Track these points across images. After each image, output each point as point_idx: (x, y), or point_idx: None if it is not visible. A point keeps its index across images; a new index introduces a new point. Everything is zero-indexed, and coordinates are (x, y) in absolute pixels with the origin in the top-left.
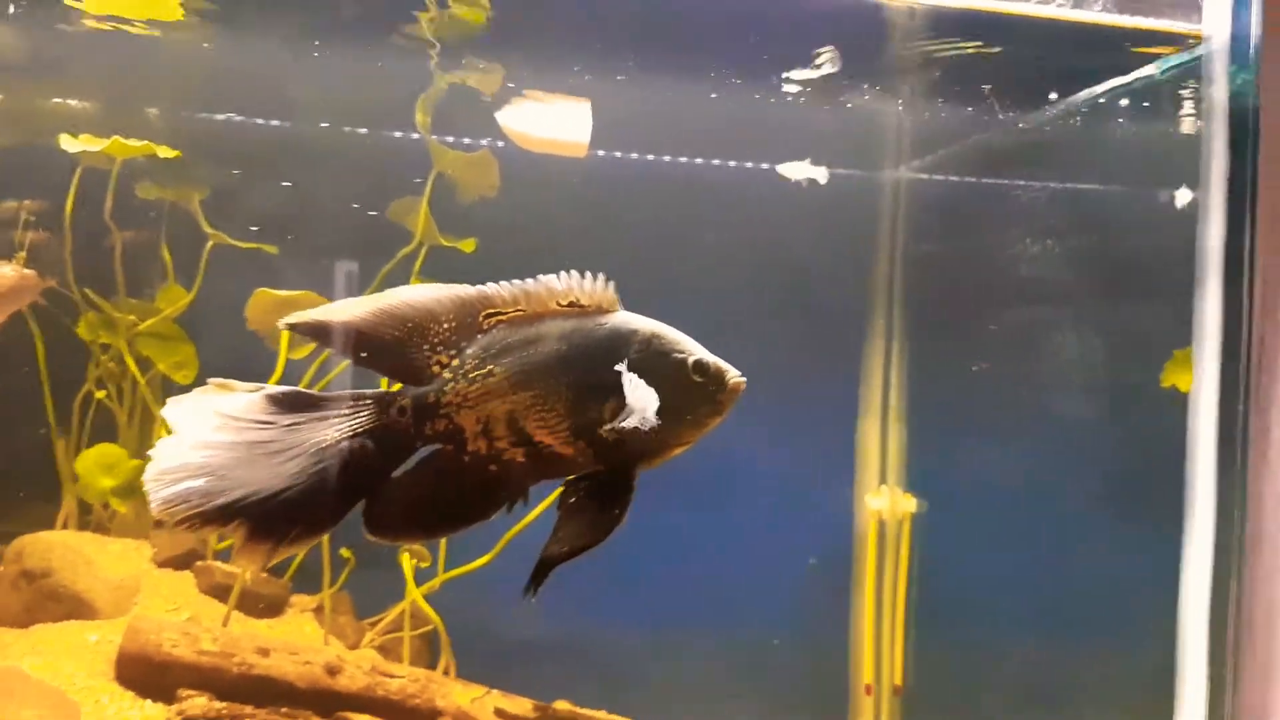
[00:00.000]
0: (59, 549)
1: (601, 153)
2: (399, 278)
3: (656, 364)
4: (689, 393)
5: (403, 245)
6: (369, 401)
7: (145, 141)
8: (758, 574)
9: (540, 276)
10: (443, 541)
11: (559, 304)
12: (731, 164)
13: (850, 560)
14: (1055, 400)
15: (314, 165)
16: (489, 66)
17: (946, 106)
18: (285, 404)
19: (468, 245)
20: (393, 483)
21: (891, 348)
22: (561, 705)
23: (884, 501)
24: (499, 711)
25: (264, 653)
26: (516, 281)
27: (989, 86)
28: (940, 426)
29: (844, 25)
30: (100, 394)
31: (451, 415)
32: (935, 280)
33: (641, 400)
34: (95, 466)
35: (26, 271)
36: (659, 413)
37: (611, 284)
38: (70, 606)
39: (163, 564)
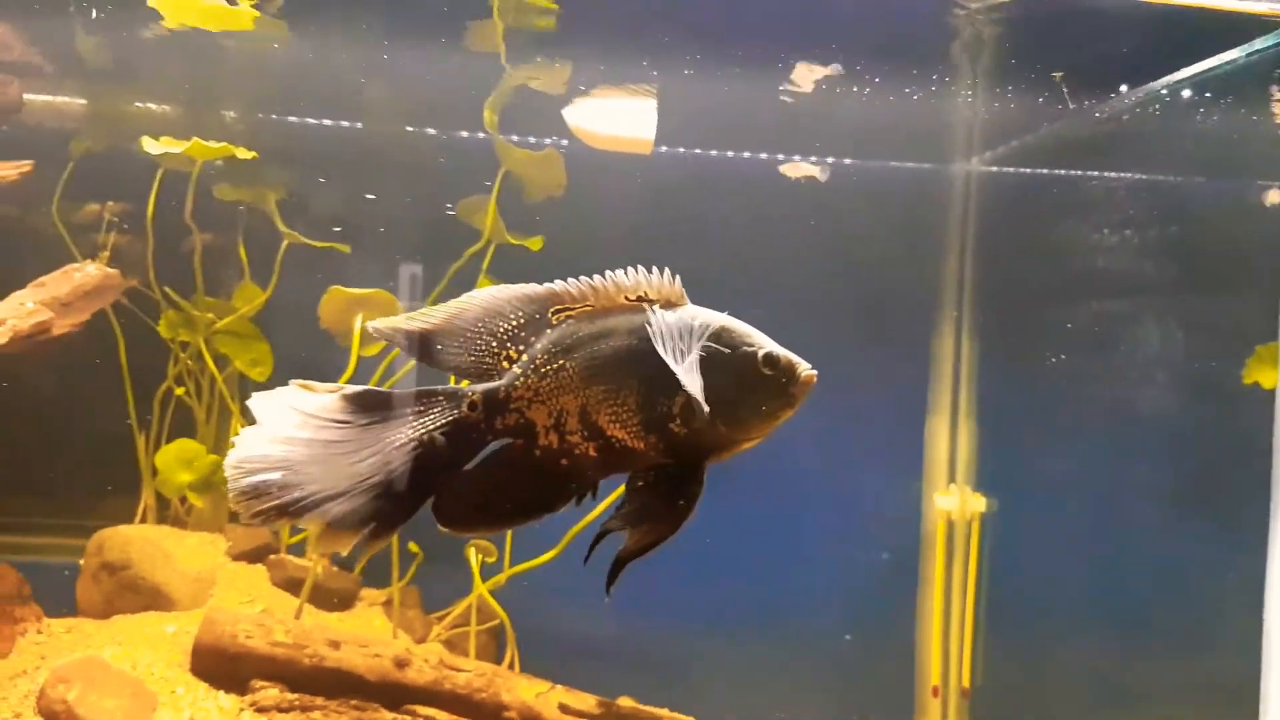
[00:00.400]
0: (138, 542)
1: (664, 148)
2: (468, 275)
3: (726, 357)
4: (759, 385)
5: (471, 243)
6: (440, 398)
7: (224, 143)
8: (823, 573)
9: (608, 273)
10: (509, 537)
11: (627, 299)
12: (797, 158)
13: (917, 560)
14: (1131, 397)
15: (384, 165)
16: (556, 65)
17: (1018, 96)
18: (360, 403)
19: (535, 243)
20: (463, 476)
21: (961, 344)
22: (625, 702)
23: (953, 501)
24: (563, 707)
25: (335, 645)
26: (585, 278)
27: (1060, 74)
28: (1011, 424)
29: (912, 14)
30: (179, 391)
31: (523, 410)
32: (1007, 274)
33: (693, 383)
34: (174, 461)
35: (110, 270)
36: (728, 405)
37: (678, 278)
38: (148, 598)
39: (237, 557)
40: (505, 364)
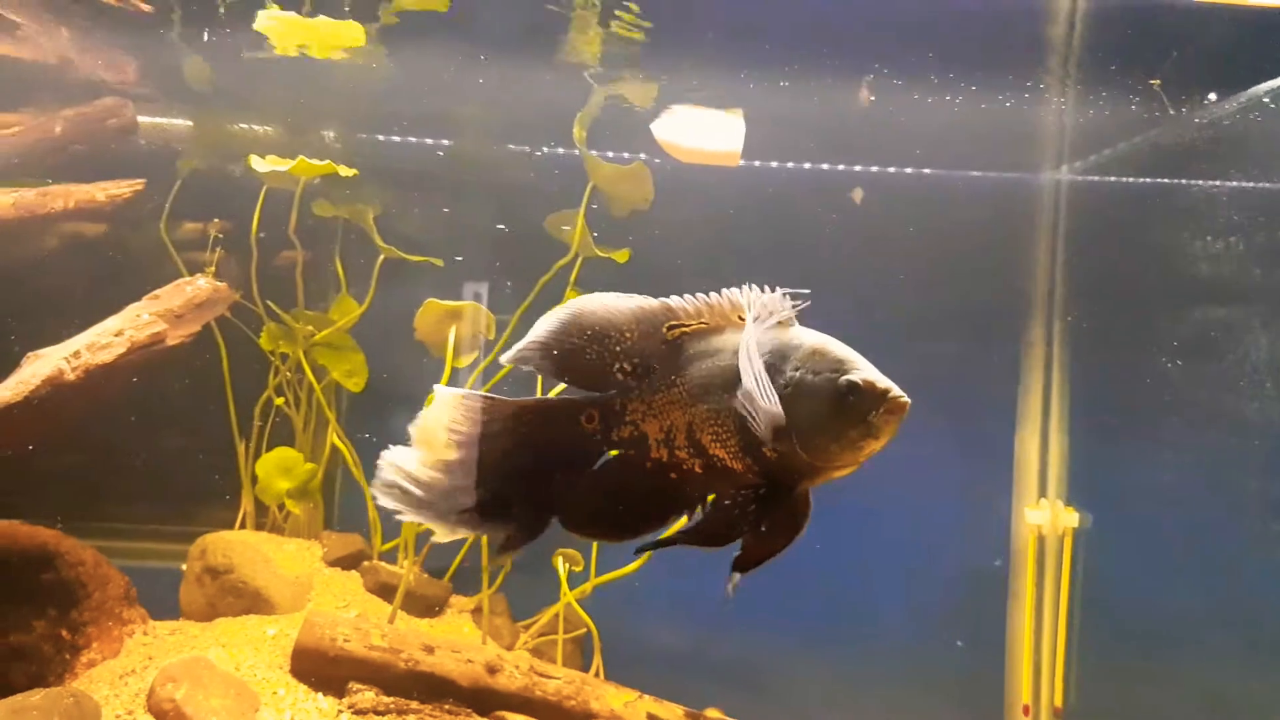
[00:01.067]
0: (239, 547)
1: (758, 162)
2: (556, 288)
3: (810, 383)
4: (840, 414)
5: (559, 257)
6: (560, 410)
7: (327, 161)
8: (911, 589)
9: (723, 290)
10: (594, 548)
11: (740, 317)
12: (890, 170)
13: (1007, 575)
14: (1233, 406)
15: (474, 182)
16: (644, 81)
17: (1111, 104)
18: (487, 413)
19: (621, 256)
20: (583, 484)
21: (1052, 354)
22: (713, 713)
23: (1044, 515)
24: (651, 716)
25: (429, 650)
26: (700, 295)
27: (1158, 81)
28: (1106, 436)
29: (1003, 21)
30: (279, 401)
31: (637, 423)
32: (1100, 284)
33: (754, 407)
34: (274, 469)
35: (219, 284)
36: (809, 433)
37: (787, 297)
38: (250, 601)
39: (332, 563)
40: (619, 376)
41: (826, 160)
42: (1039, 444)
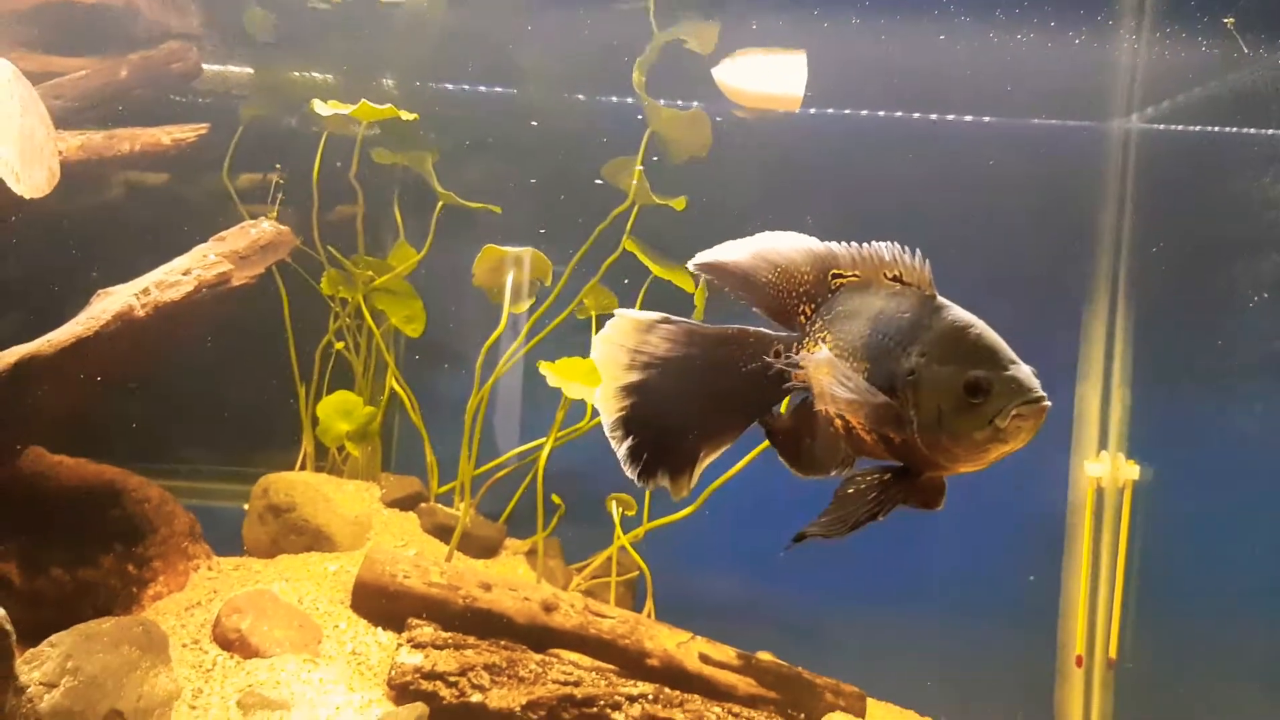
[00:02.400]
0: (300, 486)
1: (812, 110)
2: (611, 236)
3: (935, 374)
4: (963, 414)
5: (617, 204)
6: (752, 339)
7: (388, 105)
8: (967, 541)
9: (874, 243)
10: (647, 493)
11: (886, 276)
12: (950, 118)
13: (1063, 529)
14: None
15: (533, 129)
16: (705, 23)
17: (1184, 46)
18: (680, 333)
19: (679, 203)
20: (774, 416)
21: (1116, 306)
22: (764, 656)
23: (1104, 468)
24: (704, 657)
25: (486, 587)
26: (855, 245)
27: (1232, 20)
28: (1171, 389)
29: None
30: (339, 345)
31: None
32: (1168, 236)
33: (820, 384)
34: (334, 412)
35: (283, 227)
36: (931, 427)
37: (929, 264)
38: (311, 539)
39: (390, 504)
40: (801, 319)
41: (885, 108)
42: (1100, 396)
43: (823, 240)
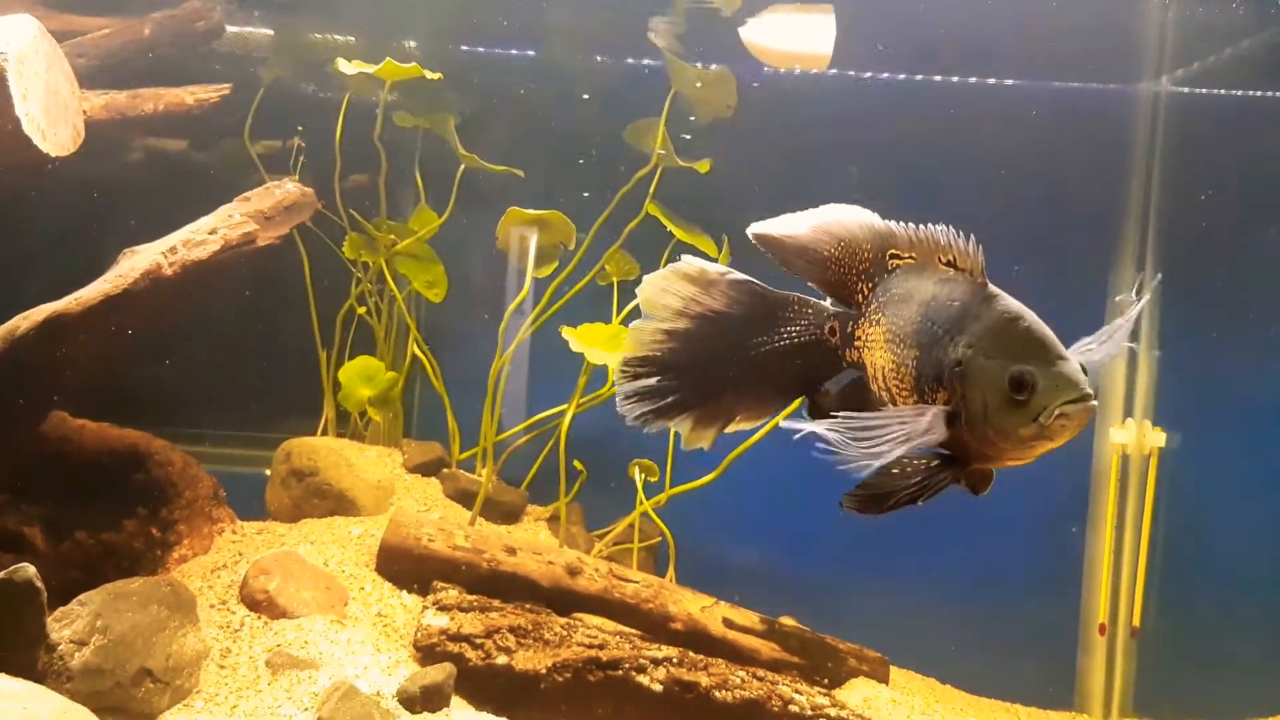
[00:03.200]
0: (323, 451)
1: (833, 70)
2: (635, 198)
3: (981, 368)
4: (1006, 408)
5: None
6: (809, 310)
7: (413, 64)
8: (989, 508)
9: (929, 225)
10: (669, 459)
11: (941, 259)
12: (973, 80)
13: (1087, 496)
14: None
15: (555, 91)
16: None
17: (1215, 4)
18: (742, 293)
19: (703, 166)
20: (823, 392)
21: (1143, 271)
22: (787, 621)
23: (1129, 435)
24: (727, 622)
25: (511, 551)
26: (912, 226)
27: None
28: (1196, 356)
29: None
30: (361, 310)
31: (860, 350)
32: (1196, 202)
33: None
34: (356, 377)
35: (306, 189)
36: (976, 421)
37: (981, 250)
38: (334, 503)
39: (412, 470)
40: (859, 298)
41: (906, 70)
42: (1125, 363)
43: (882, 217)
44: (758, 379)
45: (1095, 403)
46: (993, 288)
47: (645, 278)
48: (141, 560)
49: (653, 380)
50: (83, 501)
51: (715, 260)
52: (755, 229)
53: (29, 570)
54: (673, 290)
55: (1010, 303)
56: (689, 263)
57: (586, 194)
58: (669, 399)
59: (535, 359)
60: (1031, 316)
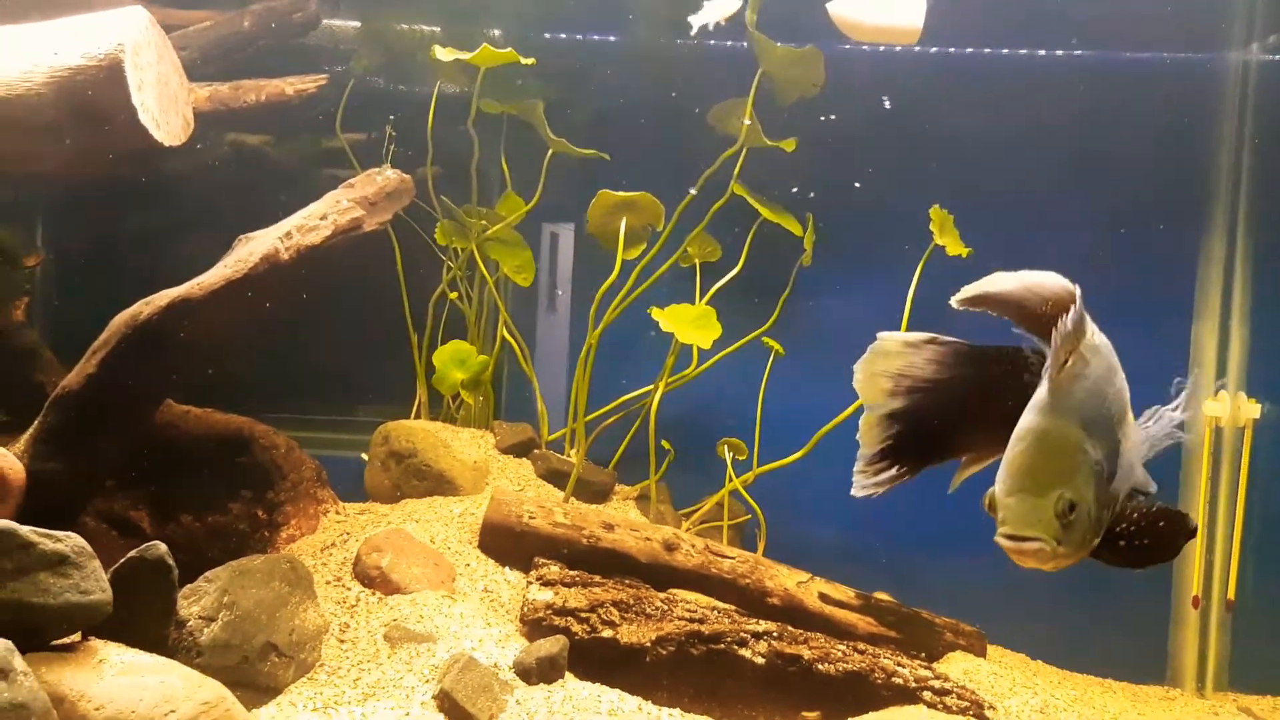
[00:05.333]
0: (420, 433)
1: (918, 48)
2: (720, 178)
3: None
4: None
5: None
6: (1028, 356)
7: (508, 49)
8: None
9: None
10: (756, 438)
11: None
12: (1058, 53)
13: (1180, 468)
14: None
15: (643, 74)
16: None
17: None
18: (947, 354)
19: (789, 145)
20: None
21: (1235, 244)
22: (882, 596)
23: (1222, 407)
24: (823, 596)
25: (609, 528)
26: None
27: None
28: None
29: None
30: (453, 295)
31: None
32: None
33: None
34: (450, 361)
35: (405, 176)
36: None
37: (1063, 359)
38: (433, 483)
39: (504, 451)
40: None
41: (991, 44)
42: (1217, 334)
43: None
44: (982, 427)
45: (1031, 546)
46: (1042, 395)
47: (854, 368)
48: (248, 541)
49: (892, 470)
50: (189, 485)
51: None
52: (965, 294)
53: (161, 548)
54: (880, 372)
55: (1024, 421)
56: (887, 340)
57: (693, 190)
58: (906, 473)
59: (620, 340)
60: (1030, 441)
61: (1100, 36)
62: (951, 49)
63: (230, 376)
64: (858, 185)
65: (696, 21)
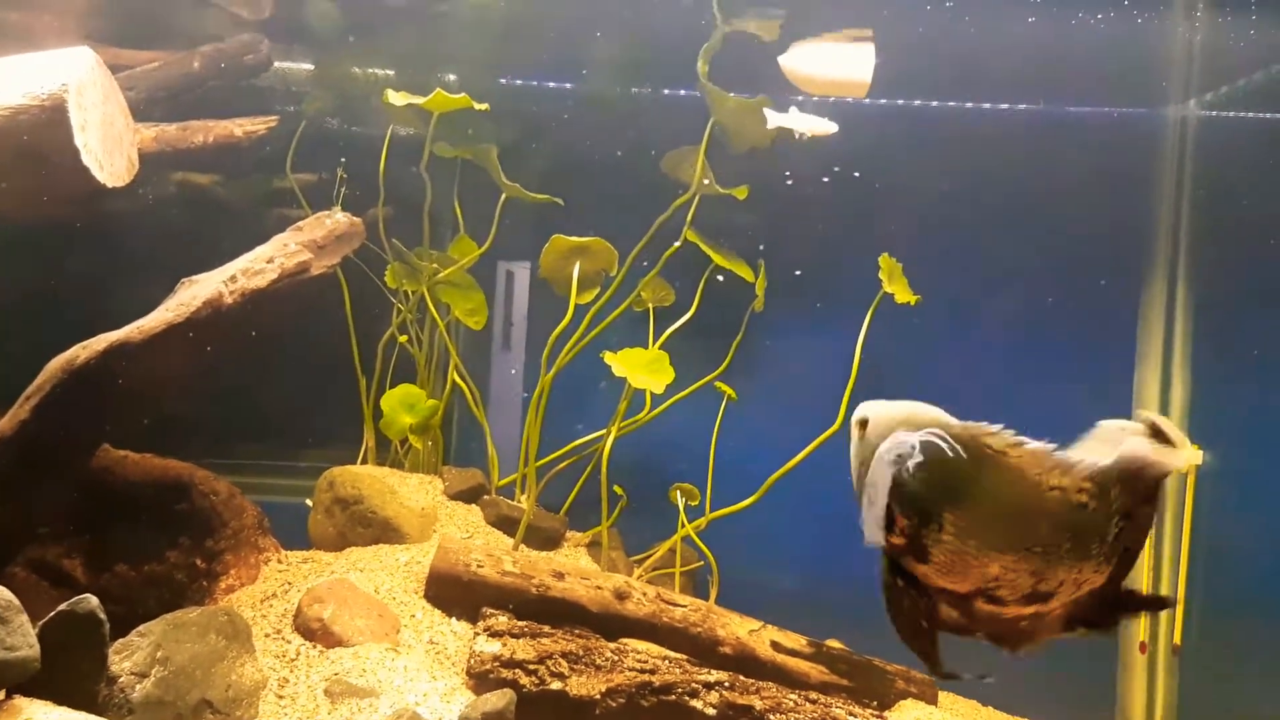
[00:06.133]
0: (366, 479)
1: (865, 100)
2: (673, 226)
3: None
4: None
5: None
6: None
7: (462, 94)
8: None
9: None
10: (709, 482)
11: None
12: (1003, 106)
13: None
14: None
15: (593, 122)
16: (769, 13)
17: (1242, 30)
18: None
19: (740, 192)
20: None
21: (1175, 292)
22: (834, 644)
23: None
24: (775, 644)
25: (559, 576)
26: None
27: None
28: (1232, 375)
29: None
30: (403, 338)
31: None
32: (1227, 222)
33: None
34: (398, 405)
35: (355, 219)
36: None
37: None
38: (379, 531)
39: (453, 497)
40: None
41: (936, 97)
42: (1159, 382)
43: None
44: None
45: None
46: None
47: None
48: (185, 591)
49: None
50: (125, 533)
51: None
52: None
53: (91, 602)
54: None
55: None
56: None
57: (677, 244)
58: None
59: (573, 383)
60: None
61: (1044, 90)
62: (900, 100)
63: (171, 419)
64: (809, 233)
65: (778, 121)
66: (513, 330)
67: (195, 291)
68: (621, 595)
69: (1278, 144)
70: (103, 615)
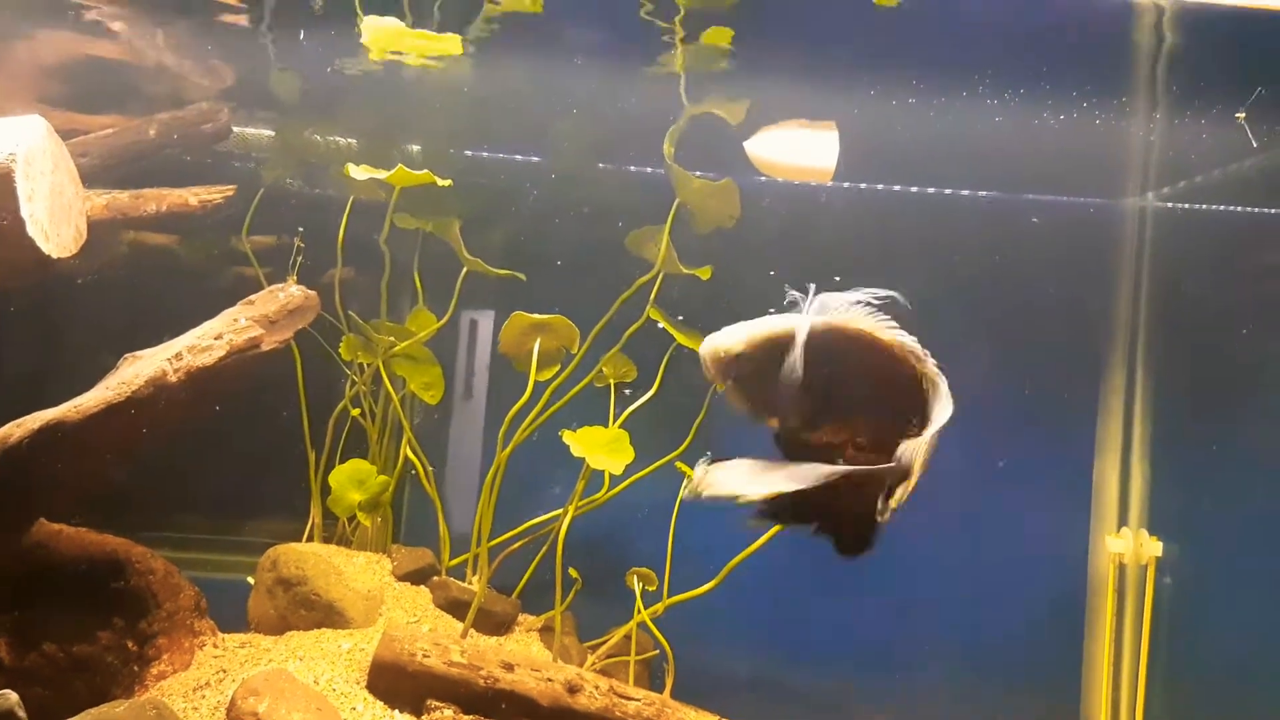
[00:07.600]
0: (311, 559)
1: (829, 182)
2: (637, 303)
3: None
4: None
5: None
6: None
7: (424, 170)
8: (986, 617)
9: None
10: (667, 568)
11: None
12: (964, 193)
13: (1084, 606)
14: None
15: (559, 197)
16: (735, 97)
17: (1197, 133)
18: None
19: (704, 272)
20: None
21: (1135, 382)
22: None
23: (1125, 544)
24: None
25: (508, 667)
26: None
27: (1243, 115)
28: (1191, 465)
29: (1089, 33)
30: (355, 412)
31: None
32: (1186, 312)
33: None
34: (347, 481)
35: (310, 292)
36: None
37: None
38: (322, 615)
39: (402, 578)
40: None
41: (901, 182)
42: (1119, 471)
43: None
44: None
45: None
46: None
47: None
48: (117, 676)
49: None
50: (56, 611)
51: None
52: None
53: (11, 698)
54: None
55: None
56: None
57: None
58: None
59: (527, 462)
60: None
61: (1000, 179)
62: (863, 185)
63: (111, 490)
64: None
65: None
66: (474, 381)
67: (139, 369)
68: (573, 689)
69: (1236, 235)
70: (22, 714)
